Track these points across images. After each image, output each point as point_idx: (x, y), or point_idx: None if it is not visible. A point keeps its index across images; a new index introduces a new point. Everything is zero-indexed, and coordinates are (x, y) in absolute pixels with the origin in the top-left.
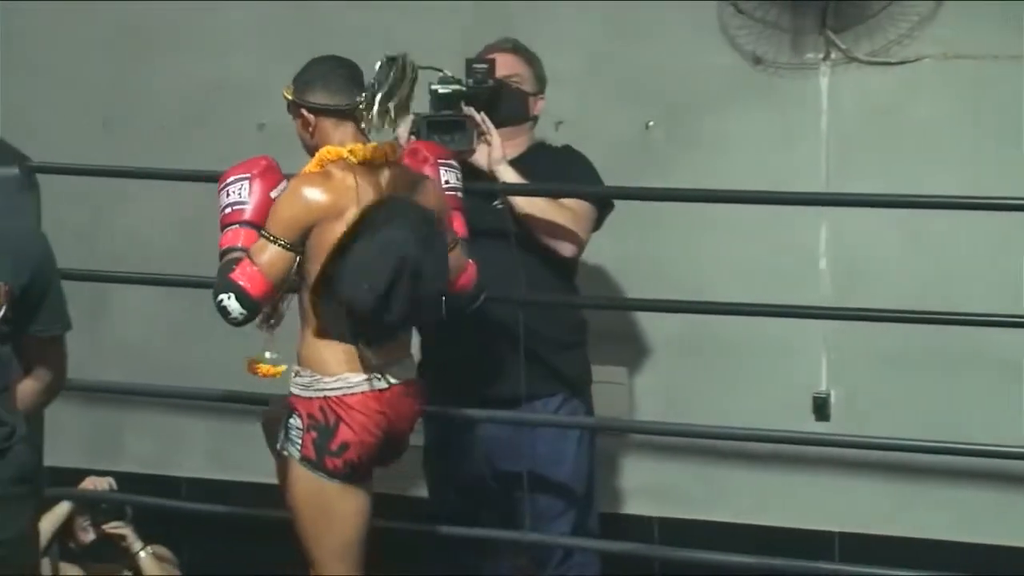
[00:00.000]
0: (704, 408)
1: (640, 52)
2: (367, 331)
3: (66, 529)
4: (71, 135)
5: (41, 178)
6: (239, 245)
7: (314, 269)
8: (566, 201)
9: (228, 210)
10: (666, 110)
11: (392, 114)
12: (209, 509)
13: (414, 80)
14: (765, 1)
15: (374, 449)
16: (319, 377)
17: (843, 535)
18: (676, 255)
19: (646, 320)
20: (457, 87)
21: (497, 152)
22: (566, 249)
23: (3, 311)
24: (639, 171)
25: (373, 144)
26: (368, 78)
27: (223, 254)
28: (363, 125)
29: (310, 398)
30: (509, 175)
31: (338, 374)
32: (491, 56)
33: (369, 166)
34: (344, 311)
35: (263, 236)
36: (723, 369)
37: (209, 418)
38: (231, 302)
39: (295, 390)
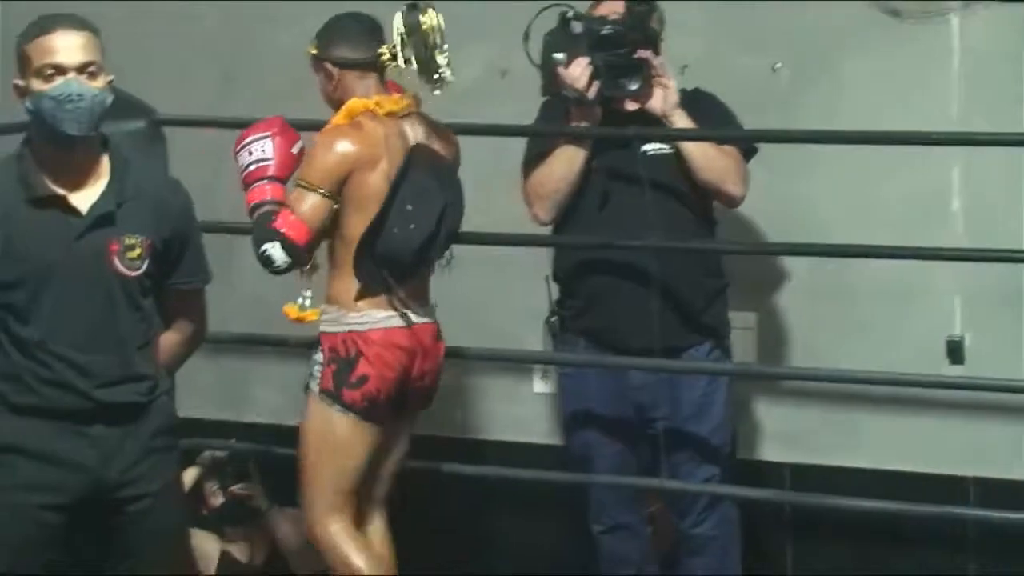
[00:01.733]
0: (833, 353)
1: None
2: (402, 271)
3: (196, 495)
4: (192, 89)
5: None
6: (268, 199)
7: (351, 218)
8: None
9: (253, 167)
10: (793, 52)
11: (419, 63)
12: None
13: (439, 28)
14: None
15: (393, 386)
16: (344, 312)
17: (977, 480)
18: (806, 198)
19: (775, 264)
20: (619, 27)
21: (673, 97)
22: (737, 191)
23: (145, 265)
24: (765, 114)
25: (397, 95)
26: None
27: (253, 208)
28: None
29: (335, 332)
30: (683, 121)
31: (363, 311)
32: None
33: (394, 117)
34: (376, 253)
35: (301, 186)
36: (853, 313)
37: None
38: (276, 251)
39: (322, 327)
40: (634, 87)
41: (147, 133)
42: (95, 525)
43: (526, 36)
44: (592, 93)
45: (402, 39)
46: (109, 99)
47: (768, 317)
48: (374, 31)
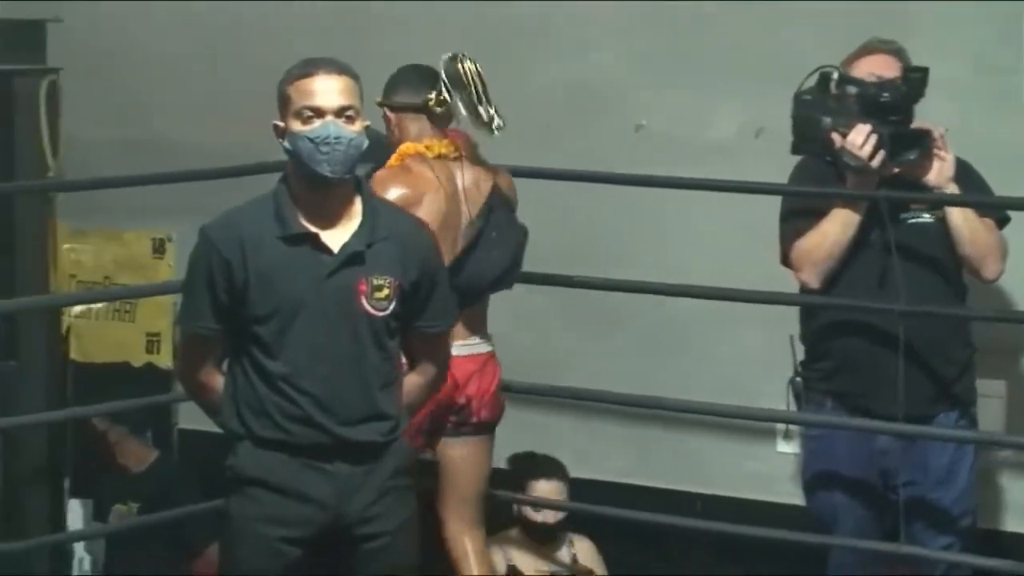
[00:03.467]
0: None
1: None
2: (476, 297)
3: None
4: None
5: None
6: None
7: None
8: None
9: None
10: None
11: (461, 108)
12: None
13: (476, 75)
14: None
15: (430, 415)
16: None
17: None
18: None
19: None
20: (897, 94)
21: (949, 170)
22: (995, 268)
23: (393, 306)
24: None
25: (447, 140)
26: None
27: None
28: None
29: None
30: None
31: None
32: (876, 56)
33: (445, 159)
34: (459, 278)
35: None
36: None
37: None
38: None
39: None
40: (912, 157)
41: None
42: (331, 561)
43: (797, 97)
44: (877, 162)
45: (446, 87)
46: (365, 143)
47: (1018, 385)
48: (429, 78)
